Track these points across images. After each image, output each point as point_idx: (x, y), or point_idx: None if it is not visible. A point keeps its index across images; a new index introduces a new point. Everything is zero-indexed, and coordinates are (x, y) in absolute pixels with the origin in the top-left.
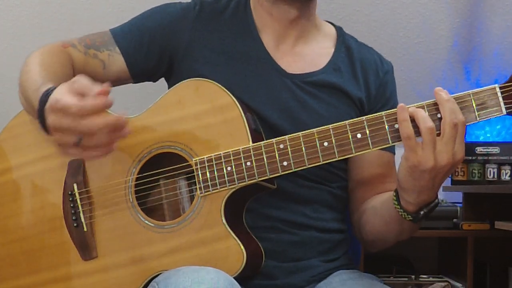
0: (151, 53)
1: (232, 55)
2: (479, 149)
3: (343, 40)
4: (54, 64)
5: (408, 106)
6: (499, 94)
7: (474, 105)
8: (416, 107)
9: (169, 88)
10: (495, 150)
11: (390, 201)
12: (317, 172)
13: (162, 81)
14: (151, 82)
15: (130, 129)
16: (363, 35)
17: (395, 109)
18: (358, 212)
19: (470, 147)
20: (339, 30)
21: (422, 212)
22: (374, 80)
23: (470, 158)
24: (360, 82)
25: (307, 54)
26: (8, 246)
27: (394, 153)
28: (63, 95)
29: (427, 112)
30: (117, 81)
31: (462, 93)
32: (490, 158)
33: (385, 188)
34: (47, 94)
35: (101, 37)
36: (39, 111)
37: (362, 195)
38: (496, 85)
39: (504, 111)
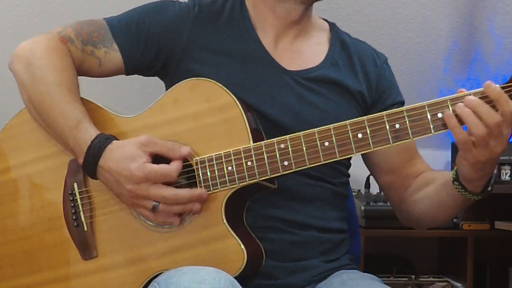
0: (147, 50)
1: (231, 54)
2: None
3: (337, 35)
4: (70, 76)
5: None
6: None
7: None
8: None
9: (166, 87)
10: None
11: (448, 187)
12: (319, 168)
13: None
14: (151, 82)
15: (131, 129)
16: (363, 35)
17: (395, 109)
18: (406, 201)
19: None
20: (332, 25)
21: (490, 187)
22: (374, 70)
23: None
24: (359, 75)
25: (305, 51)
26: (8, 245)
27: None
28: (147, 166)
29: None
30: (110, 75)
31: (462, 93)
32: None
33: (419, 169)
34: (99, 148)
35: (97, 30)
36: (89, 163)
37: (402, 184)
38: (497, 85)
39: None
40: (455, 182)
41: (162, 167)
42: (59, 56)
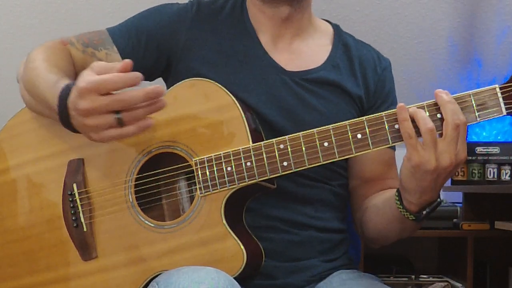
0: (148, 53)
1: (230, 54)
2: (479, 149)
3: (340, 38)
4: (61, 61)
5: (408, 106)
6: (499, 94)
7: (474, 105)
8: (417, 107)
9: (168, 88)
10: (495, 150)
11: (392, 200)
12: (317, 170)
13: (162, 81)
14: (150, 82)
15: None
16: (363, 35)
17: (395, 109)
18: (360, 209)
19: (470, 147)
20: (336, 27)
21: (424, 212)
22: (373, 76)
23: (470, 158)
24: (358, 79)
25: (304, 52)
26: (7, 246)
27: (394, 150)
28: (89, 76)
29: (427, 113)
30: None
31: (462, 93)
32: (490, 158)
33: (386, 185)
34: (67, 87)
35: (98, 36)
36: (60, 106)
37: (364, 192)
38: (496, 85)
39: (504, 112)
40: (396, 192)
41: (99, 76)
42: (54, 50)
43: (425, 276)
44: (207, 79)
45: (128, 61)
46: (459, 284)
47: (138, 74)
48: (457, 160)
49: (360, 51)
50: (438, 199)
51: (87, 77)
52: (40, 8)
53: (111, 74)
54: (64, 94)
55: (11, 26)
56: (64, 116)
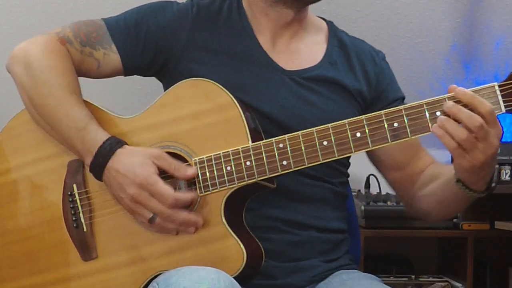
0: (146, 51)
1: (230, 55)
2: None
3: (335, 34)
4: (71, 78)
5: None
6: (498, 92)
7: None
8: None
9: (164, 88)
10: None
11: (453, 186)
12: (318, 168)
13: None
14: (151, 82)
15: (131, 129)
16: (363, 35)
17: (394, 108)
18: (414, 199)
19: None
20: (330, 24)
21: (493, 184)
22: (373, 68)
23: None
24: (357, 73)
25: (302, 50)
26: (7, 247)
27: None
28: (156, 178)
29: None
30: (109, 76)
31: None
32: None
33: (424, 163)
34: (110, 150)
35: (95, 31)
36: (97, 164)
37: (409, 179)
38: (495, 83)
39: (503, 109)
40: (458, 183)
41: (166, 187)
42: (59, 58)
43: (425, 276)
44: (207, 79)
45: (193, 174)
46: (459, 284)
47: (198, 223)
48: (497, 141)
49: (355, 45)
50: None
51: (152, 178)
52: (40, 8)
53: (172, 198)
54: (104, 155)
55: (11, 26)
56: (97, 172)
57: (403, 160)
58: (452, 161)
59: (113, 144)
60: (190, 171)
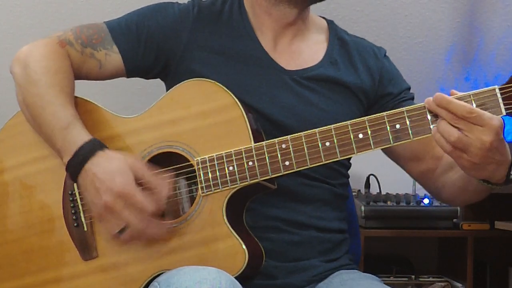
0: (148, 52)
1: (231, 55)
2: None
3: (336, 32)
4: (64, 79)
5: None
6: (498, 95)
7: (474, 106)
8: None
9: (166, 88)
10: None
11: (472, 180)
12: (318, 169)
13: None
14: (151, 82)
15: (133, 129)
16: (363, 35)
17: (396, 110)
18: (437, 187)
19: None
20: (330, 23)
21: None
22: (375, 64)
23: None
24: (359, 70)
25: (303, 50)
26: (7, 246)
27: None
28: (135, 189)
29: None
30: (110, 78)
31: (462, 94)
32: None
33: (438, 150)
34: (91, 150)
35: (97, 33)
36: (74, 164)
37: (427, 167)
38: (496, 86)
39: (504, 112)
40: (480, 181)
41: (143, 199)
42: (55, 59)
43: (425, 276)
44: (209, 80)
45: (168, 193)
46: (459, 284)
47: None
48: (490, 134)
49: (357, 43)
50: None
51: (129, 186)
52: (40, 8)
53: (151, 210)
54: (83, 156)
55: (11, 26)
56: (73, 172)
57: (420, 150)
58: None
59: (96, 146)
60: (164, 192)
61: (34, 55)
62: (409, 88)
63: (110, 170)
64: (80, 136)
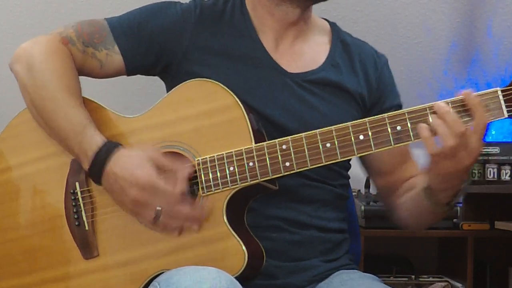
0: (149, 52)
1: (232, 56)
2: None
3: (338, 35)
4: (71, 79)
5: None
6: (500, 97)
7: None
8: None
9: (167, 88)
10: (495, 150)
11: (424, 195)
12: (319, 170)
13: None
14: (151, 82)
15: (134, 129)
16: (363, 35)
17: (397, 111)
18: (395, 206)
19: None
20: (333, 25)
21: (454, 201)
22: (374, 73)
23: None
24: (359, 76)
25: (305, 52)
26: (8, 244)
27: None
28: (156, 179)
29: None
30: (111, 76)
31: None
32: (490, 158)
33: (408, 173)
34: (106, 152)
35: (98, 32)
36: (96, 168)
37: (392, 186)
38: (498, 88)
39: (506, 114)
40: (426, 190)
41: (167, 185)
42: (60, 59)
43: (425, 276)
44: (211, 80)
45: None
46: (459, 284)
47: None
48: (474, 154)
49: (359, 48)
50: (463, 184)
51: (148, 175)
52: (40, 8)
53: (173, 193)
54: (101, 158)
55: (11, 26)
56: (96, 176)
57: (390, 166)
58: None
59: (110, 148)
60: (188, 169)
61: (37, 54)
62: (400, 106)
63: (129, 166)
64: (94, 139)
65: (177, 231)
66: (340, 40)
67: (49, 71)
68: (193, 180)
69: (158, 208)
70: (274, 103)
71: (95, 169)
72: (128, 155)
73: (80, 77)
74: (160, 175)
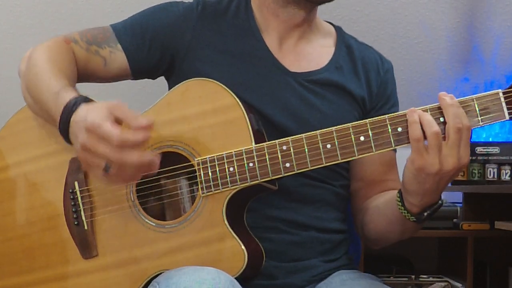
0: (152, 51)
1: (235, 54)
2: (479, 149)
3: (343, 39)
4: (63, 62)
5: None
6: (502, 99)
7: (477, 109)
8: (421, 111)
9: (169, 87)
10: (495, 150)
11: (393, 201)
12: (320, 170)
13: (163, 80)
14: (151, 82)
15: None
16: (363, 35)
17: (398, 112)
18: (361, 211)
19: (470, 147)
20: (338, 29)
21: (425, 214)
22: (376, 78)
23: (470, 158)
24: (362, 80)
25: (309, 53)
26: (7, 243)
27: (395, 151)
28: (103, 120)
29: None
30: (117, 78)
31: (465, 97)
32: (490, 158)
33: (388, 186)
34: (74, 104)
35: (102, 33)
36: (63, 120)
37: (365, 193)
38: (500, 90)
39: (507, 116)
40: (397, 193)
41: (112, 128)
42: (59, 52)
43: (425, 276)
44: (211, 79)
45: (150, 121)
46: (459, 284)
47: (148, 139)
48: (459, 164)
49: (363, 52)
50: (440, 201)
51: (100, 119)
52: (40, 8)
53: (118, 136)
54: (69, 109)
55: (11, 26)
56: (64, 129)
57: (370, 174)
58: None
59: (80, 99)
60: (145, 120)
61: (38, 48)
62: None
63: (85, 112)
64: (68, 95)
65: (132, 181)
66: (345, 44)
67: (44, 57)
68: (193, 180)
69: (107, 165)
70: (274, 102)
71: (63, 122)
72: (92, 104)
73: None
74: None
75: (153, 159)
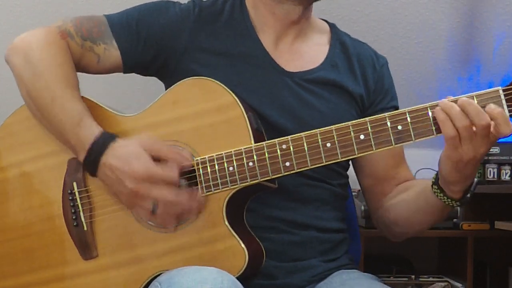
0: (147, 49)
1: (231, 55)
2: None
3: (338, 36)
4: (68, 69)
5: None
6: (502, 96)
7: None
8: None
9: (165, 87)
10: (495, 150)
11: (427, 193)
12: (319, 170)
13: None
14: (151, 82)
15: (132, 128)
16: (363, 35)
17: (398, 111)
18: (382, 207)
19: None
20: (332, 26)
21: (468, 195)
22: (372, 73)
23: None
24: (358, 77)
25: (305, 52)
26: (7, 244)
27: None
28: (149, 167)
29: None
30: (107, 72)
31: (465, 95)
32: (490, 158)
33: (401, 178)
34: (103, 142)
35: (97, 26)
36: (91, 159)
37: (381, 189)
38: (499, 87)
39: (507, 114)
40: (434, 186)
41: (166, 172)
42: (58, 51)
43: (425, 276)
44: (210, 78)
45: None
46: (459, 284)
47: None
48: (490, 142)
49: (357, 49)
50: (475, 179)
51: (150, 168)
52: (40, 8)
53: (169, 174)
54: (97, 152)
55: (11, 26)
56: (91, 167)
57: (380, 169)
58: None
59: (106, 139)
60: (187, 154)
61: (34, 46)
62: (396, 107)
63: (125, 157)
64: (91, 130)
65: (175, 223)
66: (339, 41)
67: (46, 62)
68: (192, 180)
69: (154, 205)
70: (272, 102)
71: (91, 160)
72: (125, 145)
73: (80, 76)
74: (157, 164)
75: (201, 202)
